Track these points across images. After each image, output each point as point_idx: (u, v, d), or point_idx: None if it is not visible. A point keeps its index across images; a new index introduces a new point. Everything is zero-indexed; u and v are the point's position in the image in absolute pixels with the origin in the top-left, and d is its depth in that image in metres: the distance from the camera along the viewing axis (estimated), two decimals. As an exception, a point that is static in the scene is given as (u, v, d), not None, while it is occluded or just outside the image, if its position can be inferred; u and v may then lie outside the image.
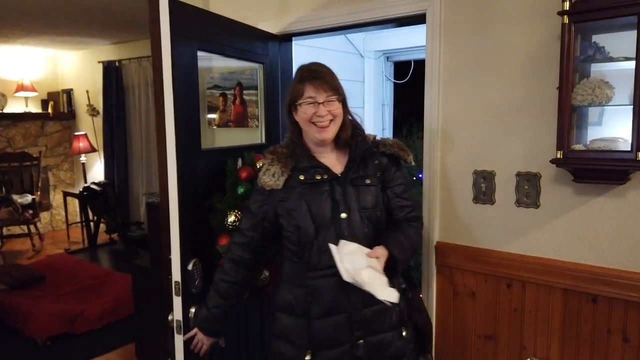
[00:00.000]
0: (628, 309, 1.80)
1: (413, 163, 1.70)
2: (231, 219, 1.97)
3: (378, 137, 1.75)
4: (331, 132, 1.58)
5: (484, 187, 2.08)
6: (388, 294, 1.46)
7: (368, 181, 1.63)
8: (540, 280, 1.97)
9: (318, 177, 1.60)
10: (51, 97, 6.98)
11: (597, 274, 1.84)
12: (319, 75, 1.56)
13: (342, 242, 1.51)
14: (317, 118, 1.55)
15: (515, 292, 2.05)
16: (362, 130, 1.71)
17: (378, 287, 1.46)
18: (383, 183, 1.66)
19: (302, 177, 1.61)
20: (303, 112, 1.57)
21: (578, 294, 1.89)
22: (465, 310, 2.19)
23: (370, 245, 1.54)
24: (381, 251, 1.52)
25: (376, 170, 1.66)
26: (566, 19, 1.66)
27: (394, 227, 1.67)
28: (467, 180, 2.12)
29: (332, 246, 1.50)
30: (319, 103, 1.54)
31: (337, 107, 1.57)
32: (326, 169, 1.62)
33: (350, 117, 1.67)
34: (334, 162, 1.66)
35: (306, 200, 1.59)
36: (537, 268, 1.96)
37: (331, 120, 1.57)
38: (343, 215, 1.58)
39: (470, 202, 2.12)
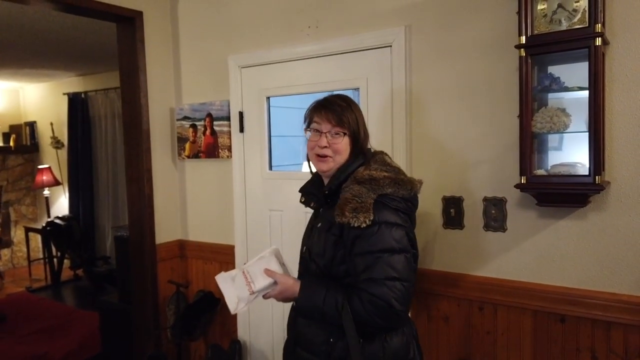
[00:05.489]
0: (594, 327, 1.86)
1: (364, 225, 1.40)
2: None
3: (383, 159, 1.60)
4: (328, 166, 1.55)
5: (453, 213, 2.14)
6: (230, 301, 1.52)
7: (320, 224, 1.59)
8: (510, 303, 2.01)
9: (311, 205, 1.68)
10: (13, 130, 6.79)
11: (563, 294, 1.90)
12: (328, 106, 1.55)
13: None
14: (317, 148, 1.55)
15: (487, 315, 2.08)
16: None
17: (229, 291, 1.53)
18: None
19: (302, 200, 1.71)
20: (308, 140, 1.60)
21: (547, 315, 1.95)
22: (439, 334, 2.21)
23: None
24: (281, 278, 1.52)
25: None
26: (523, 52, 1.75)
27: (338, 284, 1.48)
28: (436, 206, 2.17)
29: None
30: (322, 133, 1.54)
31: (340, 142, 1.53)
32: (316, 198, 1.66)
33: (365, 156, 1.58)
34: None
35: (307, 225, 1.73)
36: (507, 291, 2.01)
37: (332, 155, 1.55)
38: (304, 248, 1.66)
39: (440, 227, 2.17)
